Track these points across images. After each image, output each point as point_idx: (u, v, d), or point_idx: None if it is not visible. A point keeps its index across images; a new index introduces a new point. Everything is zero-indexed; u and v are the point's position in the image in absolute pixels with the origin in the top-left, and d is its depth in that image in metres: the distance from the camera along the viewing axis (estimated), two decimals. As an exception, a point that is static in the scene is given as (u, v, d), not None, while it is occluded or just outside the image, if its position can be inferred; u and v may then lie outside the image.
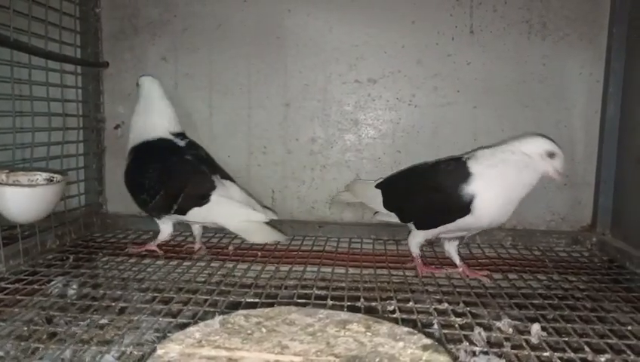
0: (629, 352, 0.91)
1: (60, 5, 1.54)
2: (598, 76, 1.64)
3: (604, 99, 1.63)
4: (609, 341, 0.95)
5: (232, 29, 1.72)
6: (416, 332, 0.72)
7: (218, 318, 0.74)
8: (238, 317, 0.75)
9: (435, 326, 1.01)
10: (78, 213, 1.66)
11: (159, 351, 0.66)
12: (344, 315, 0.77)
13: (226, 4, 1.72)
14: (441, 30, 1.68)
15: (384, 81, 1.72)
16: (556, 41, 1.65)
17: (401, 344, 0.68)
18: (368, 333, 0.71)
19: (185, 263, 1.40)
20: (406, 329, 0.72)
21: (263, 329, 0.72)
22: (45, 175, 1.29)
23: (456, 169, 1.32)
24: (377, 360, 0.64)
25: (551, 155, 1.26)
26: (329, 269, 1.37)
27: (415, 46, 1.69)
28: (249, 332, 0.71)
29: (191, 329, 0.71)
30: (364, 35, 1.70)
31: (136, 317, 1.02)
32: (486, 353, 0.89)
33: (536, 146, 1.27)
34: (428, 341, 0.69)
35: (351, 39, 1.71)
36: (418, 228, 1.40)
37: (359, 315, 0.77)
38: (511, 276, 1.36)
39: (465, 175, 1.28)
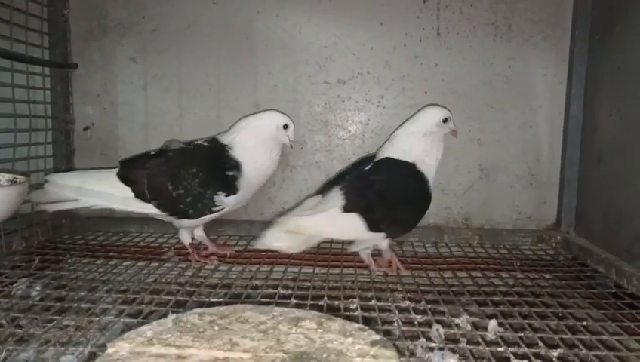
0: (581, 347, 0.93)
1: (25, 7, 1.54)
2: (562, 78, 1.68)
3: (568, 100, 1.66)
4: (563, 336, 0.97)
5: (202, 30, 1.73)
6: (366, 328, 0.73)
7: (171, 317, 0.75)
8: (192, 315, 0.76)
9: (395, 323, 1.03)
10: (46, 214, 1.64)
11: (109, 350, 0.67)
12: (298, 313, 0.78)
13: (195, 5, 1.72)
14: (409, 32, 1.70)
15: (353, 83, 1.73)
16: (521, 43, 1.68)
17: (350, 340, 0.69)
18: (320, 330, 0.72)
19: (152, 264, 1.41)
20: (357, 325, 0.74)
21: (216, 327, 0.72)
22: (9, 176, 1.28)
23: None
24: (325, 355, 0.65)
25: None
26: (296, 269, 1.38)
27: (383, 48, 1.71)
28: (201, 330, 0.71)
29: (143, 327, 0.72)
30: (332, 36, 1.72)
31: (97, 318, 1.03)
32: (441, 349, 0.91)
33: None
34: (377, 337, 0.70)
35: (320, 40, 1.72)
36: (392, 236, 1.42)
37: (313, 312, 0.78)
38: (475, 274, 1.38)
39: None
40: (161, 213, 1.39)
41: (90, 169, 1.56)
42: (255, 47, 1.73)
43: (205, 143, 1.45)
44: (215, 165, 1.40)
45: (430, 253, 1.57)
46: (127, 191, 1.36)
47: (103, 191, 1.37)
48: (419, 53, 1.71)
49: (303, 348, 0.67)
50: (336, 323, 0.74)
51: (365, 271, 1.38)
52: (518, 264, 1.47)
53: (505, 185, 1.73)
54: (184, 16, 1.73)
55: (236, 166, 1.39)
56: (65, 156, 1.75)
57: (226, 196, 1.38)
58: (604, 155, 1.50)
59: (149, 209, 1.38)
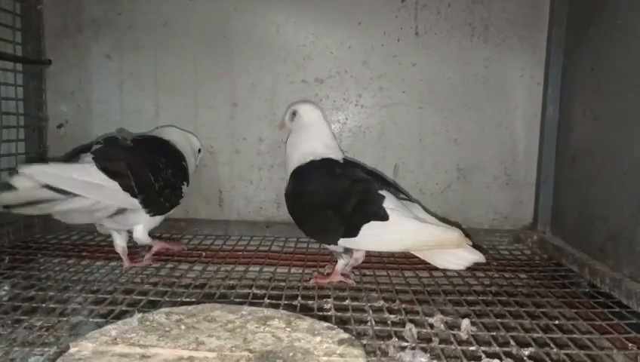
0: (552, 345, 0.93)
1: (-3, 1, 1.51)
2: (539, 78, 1.68)
3: (544, 101, 1.67)
4: (535, 335, 0.97)
5: (178, 28, 1.71)
6: (335, 327, 0.72)
7: (137, 316, 0.74)
8: (159, 314, 0.75)
9: (369, 323, 1.02)
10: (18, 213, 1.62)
11: (72, 349, 0.65)
12: (267, 312, 0.77)
13: (171, 2, 1.70)
14: (386, 31, 1.70)
15: (331, 82, 1.72)
16: (498, 43, 1.68)
17: (318, 338, 0.68)
18: (288, 329, 0.71)
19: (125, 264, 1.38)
20: (326, 324, 0.73)
21: (182, 327, 0.71)
22: (-24, 174, 1.26)
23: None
24: (291, 354, 0.64)
25: None
26: (271, 269, 1.37)
27: (361, 47, 1.71)
28: (167, 329, 0.70)
29: (108, 327, 0.71)
30: (310, 35, 1.71)
31: (66, 318, 1.01)
32: (413, 348, 0.90)
33: None
34: (345, 335, 0.69)
35: (298, 39, 1.71)
36: None
37: (282, 311, 0.77)
38: (449, 273, 1.37)
39: None
40: None
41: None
42: (232, 45, 1.71)
43: None
44: None
45: (407, 253, 1.57)
46: None
47: None
48: (397, 52, 1.71)
49: (270, 347, 0.66)
50: (305, 322, 0.74)
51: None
52: (494, 264, 1.47)
53: (482, 185, 1.74)
54: (160, 14, 1.71)
55: None
56: (38, 154, 1.72)
57: None
58: (578, 155, 1.51)
59: None
